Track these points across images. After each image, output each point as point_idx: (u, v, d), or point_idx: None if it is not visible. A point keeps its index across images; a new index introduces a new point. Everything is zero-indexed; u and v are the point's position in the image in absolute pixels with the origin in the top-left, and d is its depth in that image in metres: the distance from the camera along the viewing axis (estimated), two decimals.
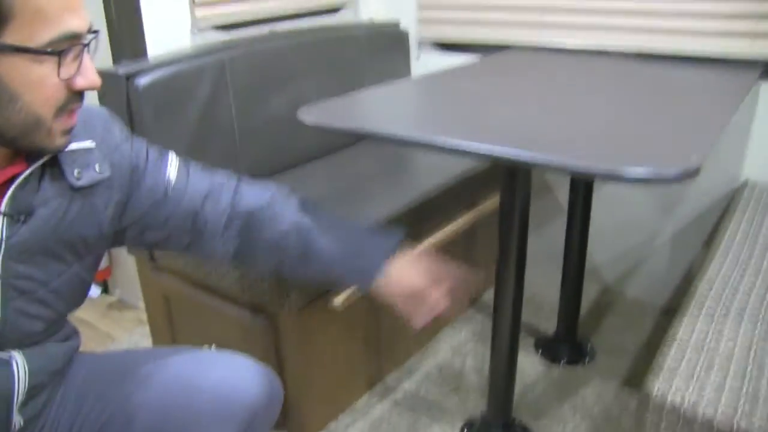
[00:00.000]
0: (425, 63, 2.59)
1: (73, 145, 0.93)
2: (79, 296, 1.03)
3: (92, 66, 0.84)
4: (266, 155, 2.06)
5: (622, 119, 1.32)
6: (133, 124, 1.75)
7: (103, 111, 1.04)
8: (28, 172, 0.87)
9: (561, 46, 2.22)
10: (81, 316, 2.48)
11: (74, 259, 0.97)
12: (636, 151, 1.11)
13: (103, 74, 1.73)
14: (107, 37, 1.91)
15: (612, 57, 2.11)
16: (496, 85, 1.68)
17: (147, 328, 2.20)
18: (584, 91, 1.61)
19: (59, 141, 0.86)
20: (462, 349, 2.09)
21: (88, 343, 2.30)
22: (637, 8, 2.04)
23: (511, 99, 1.52)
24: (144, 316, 2.32)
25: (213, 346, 1.80)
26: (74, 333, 1.09)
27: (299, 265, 1.14)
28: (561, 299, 2.07)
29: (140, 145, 1.07)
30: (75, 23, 0.79)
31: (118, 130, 1.04)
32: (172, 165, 1.10)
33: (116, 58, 1.91)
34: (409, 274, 1.12)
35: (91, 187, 0.96)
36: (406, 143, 1.19)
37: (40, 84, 0.79)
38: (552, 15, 2.21)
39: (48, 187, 0.91)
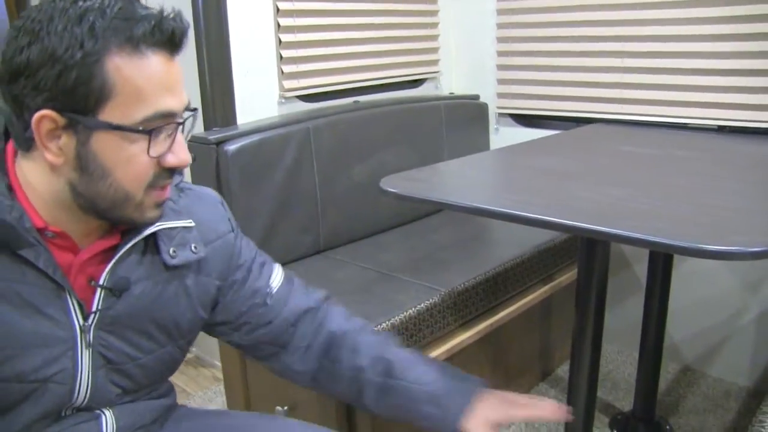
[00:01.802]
0: (504, 135, 2.63)
1: (173, 223, 0.94)
2: (167, 372, 1.04)
3: (184, 144, 0.85)
4: (347, 222, 2.12)
5: (704, 193, 1.31)
6: (221, 187, 1.83)
7: (215, 197, 1.07)
8: (127, 247, 0.89)
9: (641, 119, 2.22)
10: None
11: (167, 341, 0.99)
12: (718, 226, 1.10)
13: (194, 140, 1.84)
14: (200, 105, 2.01)
15: (693, 131, 2.10)
16: (574, 159, 1.69)
17: (222, 386, 2.24)
18: (665, 166, 1.61)
19: (150, 214, 0.87)
20: (535, 422, 2.05)
21: None
22: (718, 84, 2.04)
23: (589, 173, 1.52)
24: (220, 375, 2.38)
25: (286, 407, 1.83)
26: (169, 391, 1.09)
27: (378, 401, 1.12)
28: (638, 377, 2.01)
29: (249, 245, 1.10)
30: (170, 102, 0.81)
31: (225, 218, 1.06)
32: (277, 275, 1.12)
33: (207, 124, 2.01)
34: (486, 418, 1.07)
35: (186, 268, 0.98)
36: (485, 214, 1.21)
37: (129, 161, 0.80)
38: (632, 90, 2.22)
39: (146, 264, 0.93)
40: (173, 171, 0.86)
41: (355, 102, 2.30)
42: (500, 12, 2.50)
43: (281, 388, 1.86)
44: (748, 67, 1.98)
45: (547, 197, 1.29)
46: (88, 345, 0.89)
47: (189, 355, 2.67)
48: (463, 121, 2.54)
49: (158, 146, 0.81)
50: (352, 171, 2.12)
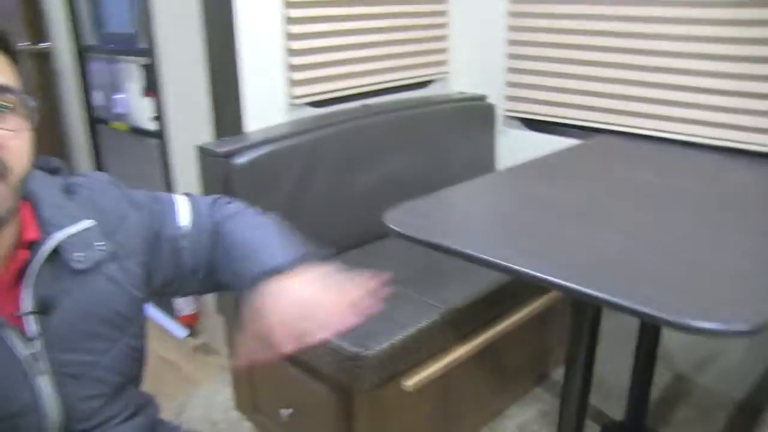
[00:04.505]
0: (509, 137, 2.64)
1: (69, 229, 0.94)
2: (135, 366, 1.04)
3: None
4: (354, 228, 2.15)
5: (701, 246, 1.32)
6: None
7: (105, 180, 1.06)
8: (36, 267, 0.89)
9: (645, 133, 2.24)
10: (167, 356, 2.63)
11: (118, 334, 0.99)
12: (711, 295, 1.11)
13: (204, 151, 1.88)
14: (212, 113, 2.05)
15: (699, 149, 2.11)
16: (574, 188, 1.67)
17: (228, 377, 2.32)
18: (665, 200, 1.61)
19: None
20: (528, 428, 2.12)
21: (175, 383, 2.44)
22: (727, 105, 2.04)
23: (586, 209, 1.52)
24: (226, 363, 2.46)
25: (291, 410, 1.90)
26: (146, 403, 1.10)
27: (216, 259, 1.11)
28: (631, 385, 2.07)
29: (150, 203, 1.08)
30: None
31: (123, 198, 1.05)
32: (182, 211, 1.11)
33: (218, 132, 2.05)
34: (299, 284, 1.00)
35: (102, 266, 0.96)
36: (482, 263, 1.25)
37: None
38: (637, 104, 2.24)
39: (62, 275, 0.92)
40: None
41: (363, 105, 2.33)
42: (512, 15, 2.50)
43: (287, 393, 1.93)
44: (758, 90, 1.98)
45: (542, 243, 1.33)
46: (45, 371, 0.90)
47: (197, 341, 2.75)
48: (469, 122, 2.57)
49: None
50: (358, 177, 2.15)
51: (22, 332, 0.88)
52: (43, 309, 0.90)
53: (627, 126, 2.29)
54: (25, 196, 0.90)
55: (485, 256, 1.24)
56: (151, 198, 1.10)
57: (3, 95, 0.82)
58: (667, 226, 1.44)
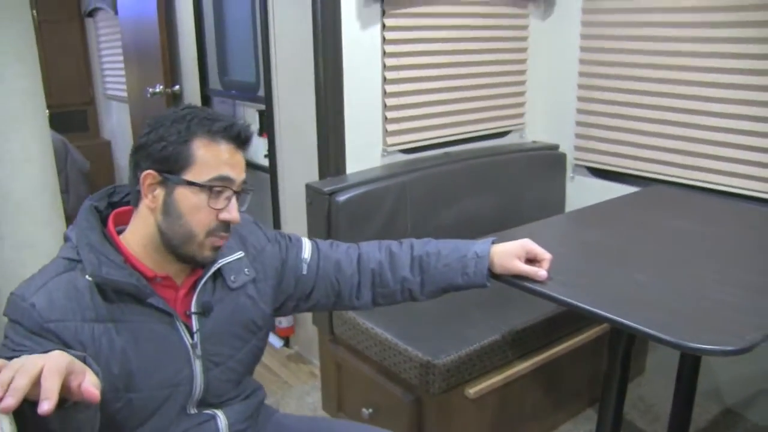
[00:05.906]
0: (578, 184, 2.93)
1: (229, 258, 1.29)
2: (256, 361, 1.40)
3: (236, 207, 1.19)
4: None
5: (712, 285, 1.54)
6: (330, 228, 2.25)
7: (249, 219, 1.40)
8: (203, 280, 1.24)
9: (698, 185, 2.50)
10: (266, 362, 3.01)
11: (251, 336, 1.34)
12: (705, 322, 1.36)
13: (311, 188, 2.26)
14: (318, 155, 2.44)
15: (744, 201, 2.33)
16: (623, 235, 1.93)
17: (318, 382, 2.68)
18: (697, 248, 1.82)
19: (207, 254, 1.19)
20: None
21: (270, 386, 2.81)
22: None
23: (629, 253, 1.77)
24: (316, 371, 2.83)
25: (371, 409, 2.24)
26: (257, 389, 1.43)
27: (423, 289, 1.49)
28: (672, 411, 2.26)
29: (280, 239, 1.44)
30: (229, 172, 1.16)
31: (262, 235, 1.40)
32: (306, 248, 1.46)
33: (322, 171, 2.43)
34: (510, 253, 1.49)
35: (246, 285, 1.32)
36: (534, 293, 1.54)
37: (196, 208, 1.15)
38: (691, 158, 2.50)
39: (219, 290, 1.28)
40: (228, 226, 1.20)
41: (445, 154, 2.68)
42: (581, 74, 2.81)
43: (368, 395, 2.28)
44: None
45: (586, 279, 1.58)
46: (198, 356, 1.23)
47: (290, 351, 3.13)
48: (542, 169, 2.87)
49: (217, 202, 1.16)
50: (439, 216, 2.50)
51: (188, 327, 1.23)
52: (203, 312, 1.25)
53: (681, 177, 2.56)
54: None
55: (534, 287, 1.53)
56: (282, 235, 1.48)
57: (244, 185, 1.21)
58: (694, 270, 1.67)
